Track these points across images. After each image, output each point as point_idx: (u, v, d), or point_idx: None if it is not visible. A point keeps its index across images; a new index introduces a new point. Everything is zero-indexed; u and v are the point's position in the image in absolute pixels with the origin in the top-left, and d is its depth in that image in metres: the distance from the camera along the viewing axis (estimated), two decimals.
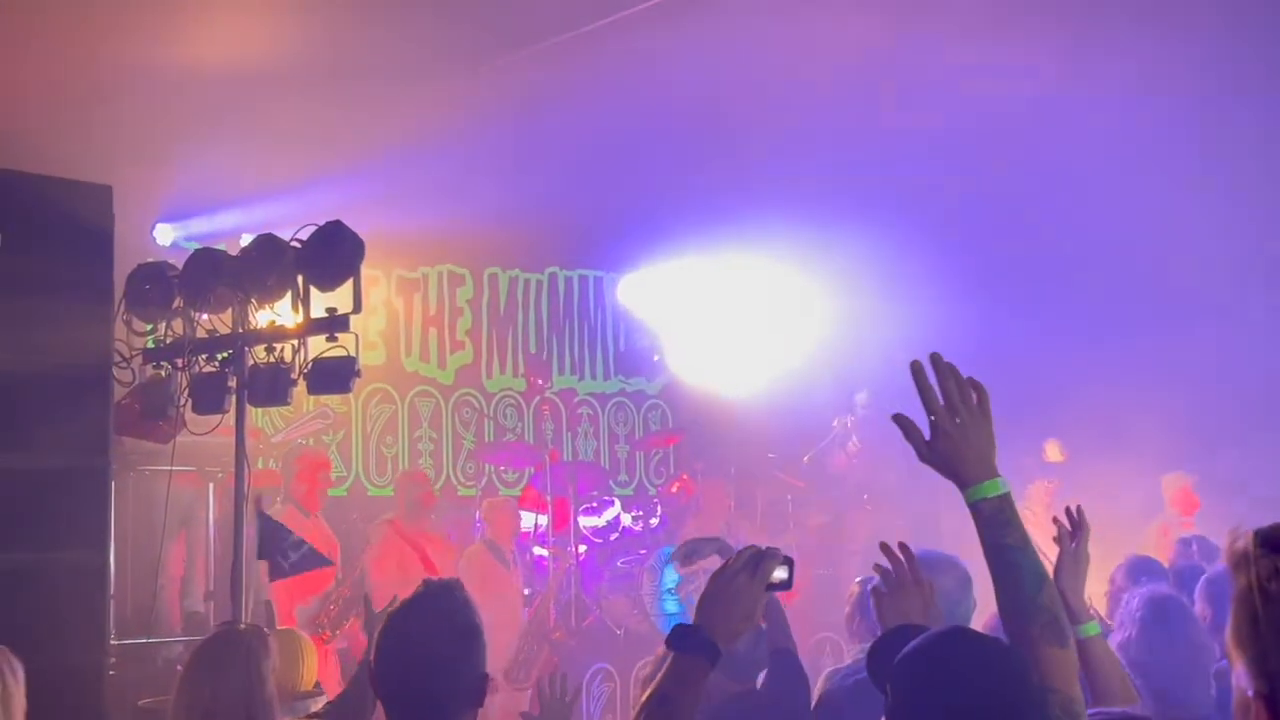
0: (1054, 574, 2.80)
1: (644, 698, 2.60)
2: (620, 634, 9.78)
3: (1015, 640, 2.41)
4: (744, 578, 2.65)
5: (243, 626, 4.46)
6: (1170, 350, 10.26)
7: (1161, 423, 10.19)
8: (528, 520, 10.30)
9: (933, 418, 2.47)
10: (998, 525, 2.43)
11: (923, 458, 2.49)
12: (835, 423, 11.58)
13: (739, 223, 10.86)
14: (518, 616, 9.06)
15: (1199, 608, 4.77)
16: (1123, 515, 9.48)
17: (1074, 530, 3.31)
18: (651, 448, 12.31)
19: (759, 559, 2.67)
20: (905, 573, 3.02)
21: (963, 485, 2.46)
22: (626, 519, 10.79)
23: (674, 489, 11.13)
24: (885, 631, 2.78)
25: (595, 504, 10.71)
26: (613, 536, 10.63)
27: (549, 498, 10.00)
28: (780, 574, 2.68)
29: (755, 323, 12.47)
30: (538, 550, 10.08)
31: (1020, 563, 2.42)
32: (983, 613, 4.28)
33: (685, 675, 2.58)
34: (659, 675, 2.60)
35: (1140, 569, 6.18)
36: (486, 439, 11.38)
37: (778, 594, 2.77)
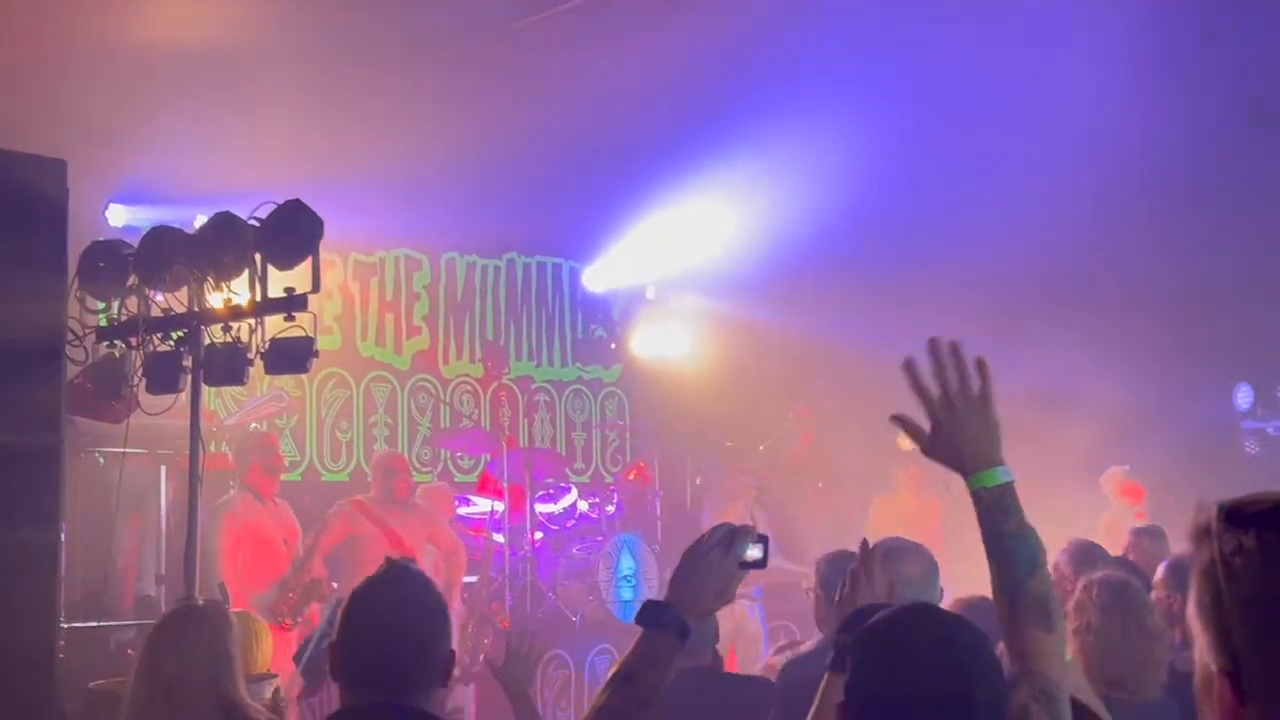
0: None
1: (610, 675, 2.57)
2: (575, 620, 9.77)
3: (1002, 620, 2.43)
4: (718, 554, 2.63)
5: (203, 602, 4.39)
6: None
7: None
8: (483, 507, 10.28)
9: (931, 413, 2.48)
10: (997, 512, 2.44)
11: (926, 452, 2.51)
12: (790, 415, 11.62)
13: (699, 207, 10.90)
14: (454, 602, 8.99)
15: (1161, 593, 4.82)
16: (1062, 508, 9.60)
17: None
18: (609, 430, 12.30)
19: (733, 535, 2.65)
20: (860, 573, 2.99)
21: (964, 475, 2.47)
22: (583, 506, 10.77)
23: (631, 476, 11.13)
24: (858, 609, 2.77)
25: (552, 491, 10.69)
26: (569, 523, 10.62)
27: (505, 484, 9.97)
28: (754, 552, 2.67)
29: (713, 309, 12.51)
30: (497, 537, 10.04)
31: (1015, 548, 2.43)
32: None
33: (654, 652, 2.57)
34: (626, 652, 2.58)
35: (1086, 554, 6.21)
36: (443, 425, 11.32)
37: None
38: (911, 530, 9.25)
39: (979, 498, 2.45)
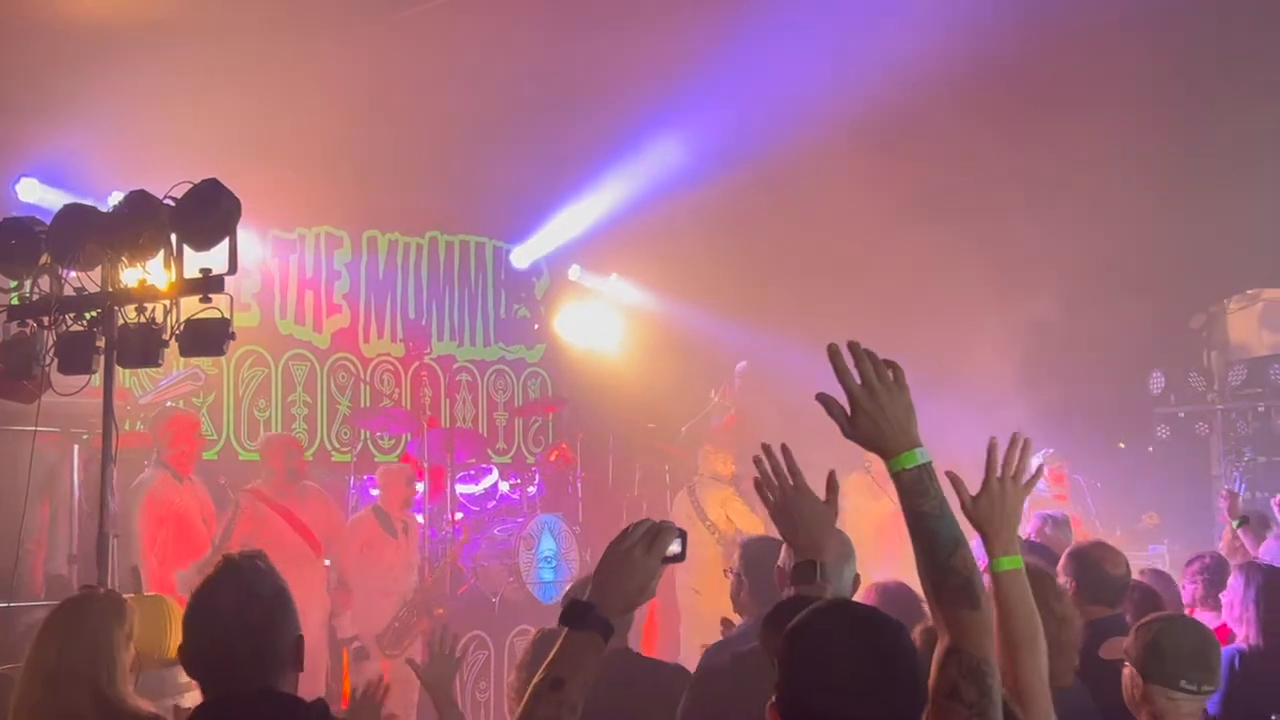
0: (975, 501, 2.90)
1: (535, 681, 2.56)
2: (495, 602, 9.77)
3: (929, 600, 2.51)
4: (639, 551, 2.65)
5: (102, 591, 4.33)
6: None
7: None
8: None
9: (851, 396, 2.56)
10: (916, 494, 2.53)
11: (846, 434, 2.59)
12: (713, 393, 11.67)
13: (623, 191, 10.90)
14: (400, 585, 8.95)
15: (1062, 579, 4.91)
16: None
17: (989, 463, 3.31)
18: (531, 414, 12.30)
19: (655, 532, 2.67)
20: (784, 475, 3.01)
21: (885, 457, 2.56)
22: (504, 487, 10.76)
23: (553, 457, 11.13)
24: (777, 605, 2.81)
25: (473, 471, 10.66)
26: (490, 504, 10.61)
27: (425, 465, 9.92)
28: (674, 547, 2.69)
29: (638, 293, 12.55)
30: (415, 518, 10.00)
31: (936, 529, 2.51)
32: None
33: (580, 653, 2.57)
34: (552, 655, 2.57)
35: None
36: (363, 404, 11.25)
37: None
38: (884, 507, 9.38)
39: (899, 479, 2.54)
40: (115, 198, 7.94)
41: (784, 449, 2.97)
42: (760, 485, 2.98)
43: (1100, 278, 11.15)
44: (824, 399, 2.60)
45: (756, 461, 2.96)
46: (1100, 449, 10.82)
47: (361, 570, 8.79)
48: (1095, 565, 5.03)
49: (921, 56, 8.78)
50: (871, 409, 2.55)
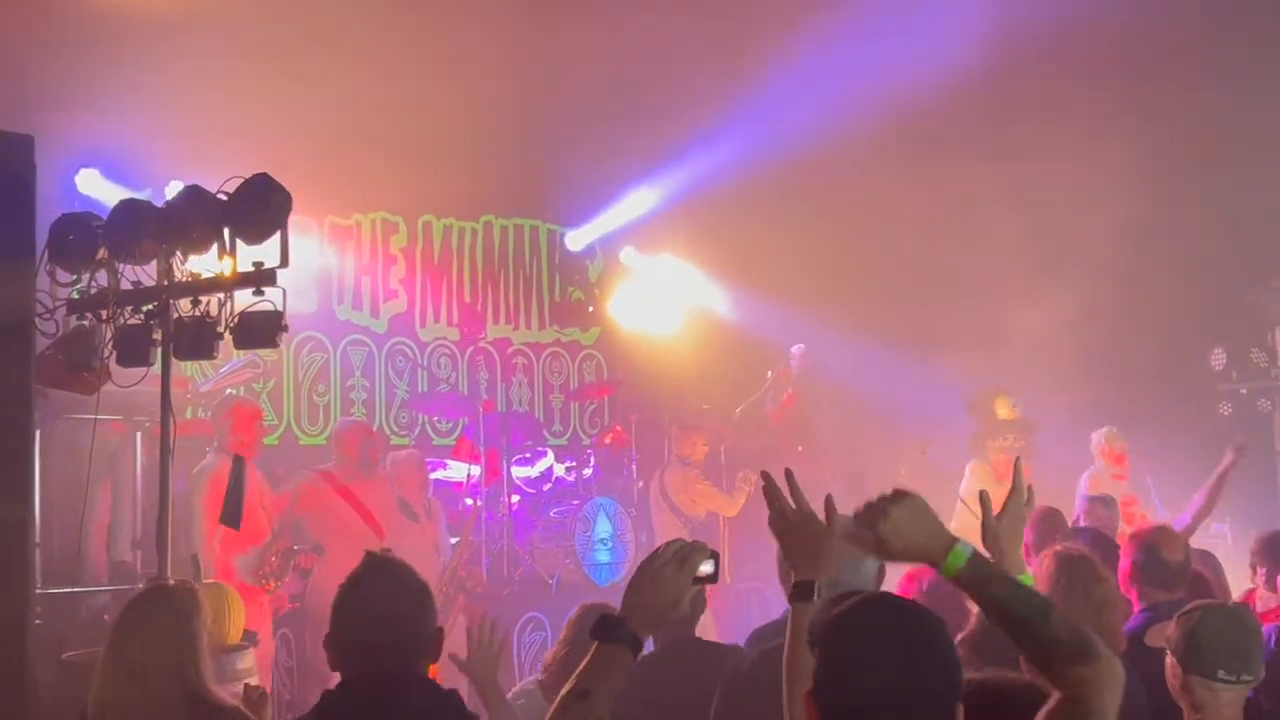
0: (997, 517, 2.96)
1: (564, 691, 2.64)
2: (552, 583, 9.84)
3: (1046, 674, 2.45)
4: (671, 569, 2.71)
5: (172, 582, 4.42)
6: None
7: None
8: (460, 471, 10.31)
9: (877, 540, 2.58)
10: (981, 583, 2.52)
11: (882, 557, 2.65)
12: (769, 374, 11.66)
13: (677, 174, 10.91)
14: (429, 567, 9.02)
15: (1125, 561, 4.91)
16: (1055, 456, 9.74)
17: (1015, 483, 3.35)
18: (587, 398, 12.35)
19: (688, 552, 2.73)
20: (788, 503, 3.04)
21: (935, 568, 2.55)
22: (560, 469, 10.81)
23: (607, 440, 11.17)
24: (825, 600, 2.83)
25: (529, 454, 10.73)
26: (546, 487, 10.66)
27: (482, 448, 10.00)
28: (706, 568, 2.75)
29: (692, 275, 12.55)
30: (470, 501, 10.09)
31: (1014, 604, 2.48)
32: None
33: (608, 666, 2.65)
34: (581, 666, 2.66)
35: (1048, 523, 6.30)
36: (420, 389, 11.34)
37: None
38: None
39: (959, 580, 2.53)
40: (174, 187, 8.10)
41: (788, 473, 3.02)
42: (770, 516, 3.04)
43: (1160, 252, 11.02)
44: (851, 537, 2.63)
45: (764, 487, 3.01)
46: (1160, 427, 10.68)
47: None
48: (1153, 550, 5.02)
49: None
50: (895, 542, 2.55)
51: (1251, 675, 3.62)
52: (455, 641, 4.38)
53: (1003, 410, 11.02)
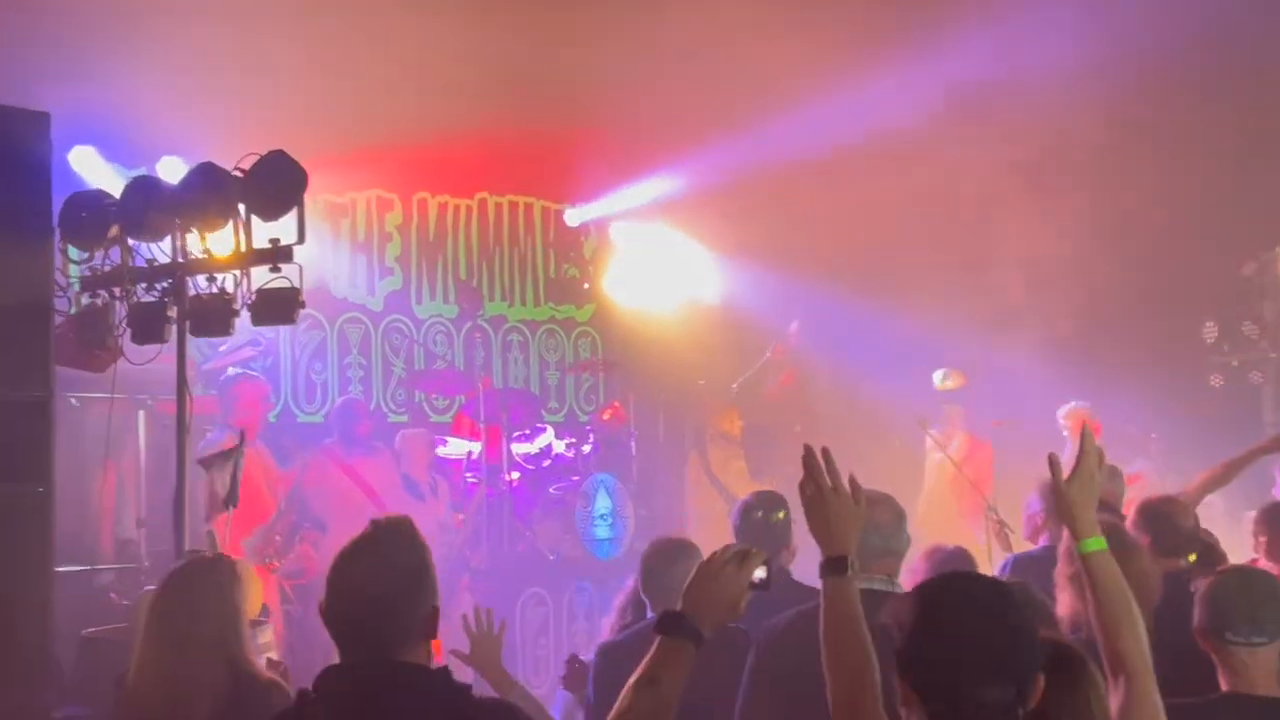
0: (1067, 481, 3.11)
1: (633, 679, 2.76)
2: (552, 559, 9.90)
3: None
4: (731, 569, 2.83)
5: (211, 555, 4.42)
6: None
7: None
8: (460, 448, 10.34)
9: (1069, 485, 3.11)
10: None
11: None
12: (766, 351, 11.69)
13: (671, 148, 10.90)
14: (435, 544, 9.05)
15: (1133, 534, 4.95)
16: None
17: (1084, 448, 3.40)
18: (583, 372, 12.37)
19: (746, 554, 2.86)
20: (825, 479, 3.08)
21: (1076, 539, 3.07)
22: (559, 446, 10.84)
23: (606, 416, 11.20)
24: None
25: (528, 431, 10.76)
26: (545, 463, 10.70)
27: (482, 425, 10.03)
28: (760, 573, 2.87)
29: (686, 251, 12.55)
30: (470, 478, 10.12)
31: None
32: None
33: (673, 657, 2.76)
34: (648, 657, 2.77)
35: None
36: (417, 366, 11.35)
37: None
38: (964, 466, 9.48)
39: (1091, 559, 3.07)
40: (166, 163, 8.07)
41: (825, 451, 3.08)
42: (803, 482, 3.10)
43: (1152, 225, 11.08)
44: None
45: (804, 457, 3.08)
46: (1151, 399, 10.75)
47: None
48: (1166, 518, 5.09)
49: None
50: (1076, 496, 3.07)
51: (1263, 638, 3.65)
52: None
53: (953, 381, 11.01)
